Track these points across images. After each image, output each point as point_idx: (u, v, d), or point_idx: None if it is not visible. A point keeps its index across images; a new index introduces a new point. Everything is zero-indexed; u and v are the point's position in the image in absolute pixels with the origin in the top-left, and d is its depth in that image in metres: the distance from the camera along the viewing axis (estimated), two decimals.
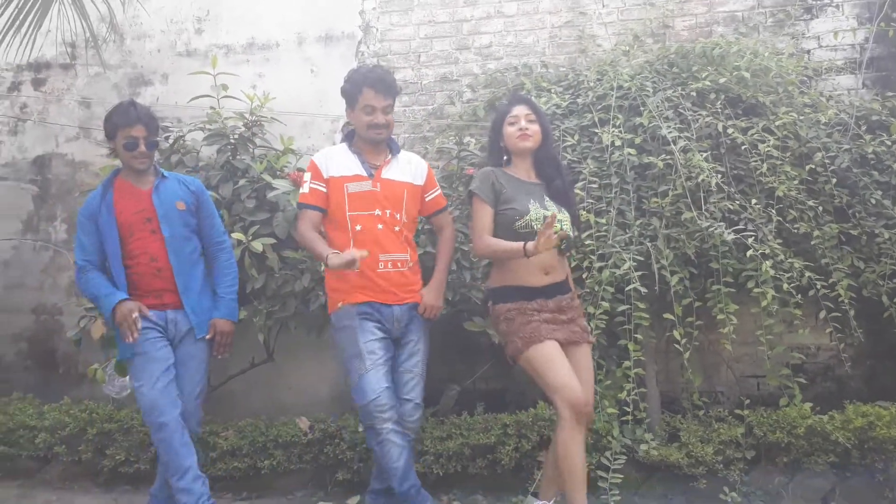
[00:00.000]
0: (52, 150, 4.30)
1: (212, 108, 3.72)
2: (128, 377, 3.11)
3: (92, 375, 3.51)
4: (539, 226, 2.54)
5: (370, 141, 2.81)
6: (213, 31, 4.33)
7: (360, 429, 3.21)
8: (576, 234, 2.80)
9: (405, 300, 2.77)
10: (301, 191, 2.83)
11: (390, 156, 2.84)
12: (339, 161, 2.81)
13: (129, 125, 2.83)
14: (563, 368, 2.49)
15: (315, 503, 3.26)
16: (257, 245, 3.24)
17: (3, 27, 3.69)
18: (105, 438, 3.46)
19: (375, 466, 2.86)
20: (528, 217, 2.59)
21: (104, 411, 3.60)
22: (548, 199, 2.68)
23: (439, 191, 2.95)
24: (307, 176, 2.81)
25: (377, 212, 2.73)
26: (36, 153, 4.32)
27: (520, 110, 2.71)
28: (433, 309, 2.83)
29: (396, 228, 2.77)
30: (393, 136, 2.91)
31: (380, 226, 2.73)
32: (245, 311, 3.34)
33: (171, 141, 3.70)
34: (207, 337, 2.88)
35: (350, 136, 2.90)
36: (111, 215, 2.86)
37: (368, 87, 2.75)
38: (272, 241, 3.30)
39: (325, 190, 2.77)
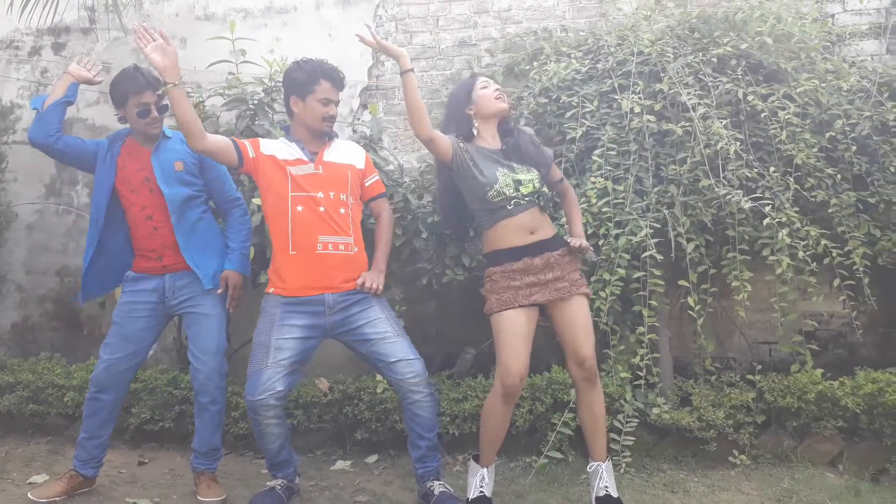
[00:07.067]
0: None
1: (231, 73, 3.73)
2: None
3: None
4: (510, 191, 2.62)
5: (319, 133, 2.80)
6: None
7: (379, 390, 3.30)
8: (551, 192, 2.80)
9: (343, 288, 2.73)
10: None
11: (329, 141, 2.85)
12: (279, 147, 2.79)
13: (139, 91, 2.81)
14: (514, 347, 2.59)
15: (334, 461, 3.35)
16: None
17: None
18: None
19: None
20: (497, 186, 2.64)
21: None
22: (515, 163, 2.71)
23: (378, 177, 2.97)
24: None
25: (319, 194, 2.72)
26: None
27: (488, 80, 2.81)
28: (373, 283, 2.74)
29: (342, 210, 2.76)
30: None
31: (321, 208, 2.71)
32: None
33: None
34: (219, 291, 2.89)
35: (287, 130, 2.91)
36: (112, 168, 2.87)
37: (326, 79, 2.76)
38: None
39: (252, 154, 2.72)
